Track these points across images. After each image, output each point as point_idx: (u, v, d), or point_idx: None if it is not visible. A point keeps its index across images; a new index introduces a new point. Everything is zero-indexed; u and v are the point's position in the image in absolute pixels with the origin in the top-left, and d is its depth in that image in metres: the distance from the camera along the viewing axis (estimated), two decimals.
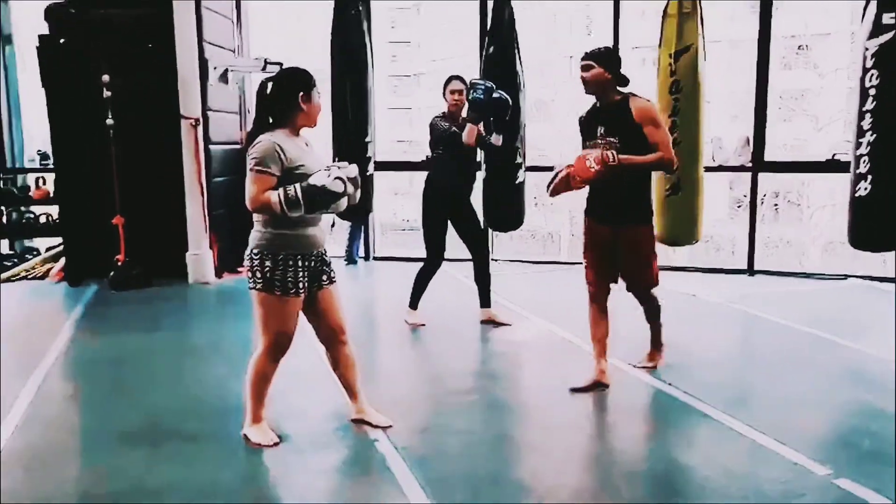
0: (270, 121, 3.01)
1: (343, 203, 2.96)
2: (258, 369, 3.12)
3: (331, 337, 3.24)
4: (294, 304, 3.04)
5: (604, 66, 3.63)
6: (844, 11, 17.50)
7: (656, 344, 4.10)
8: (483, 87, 4.53)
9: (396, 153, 17.02)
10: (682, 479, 2.95)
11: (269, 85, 3.03)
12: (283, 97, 2.99)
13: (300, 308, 3.08)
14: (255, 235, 3.02)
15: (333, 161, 3.04)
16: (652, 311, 4.00)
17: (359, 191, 3.01)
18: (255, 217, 3.01)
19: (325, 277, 3.14)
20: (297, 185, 2.86)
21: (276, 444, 3.14)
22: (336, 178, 2.81)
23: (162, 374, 4.22)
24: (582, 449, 3.12)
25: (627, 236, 3.75)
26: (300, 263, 3.01)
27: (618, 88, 3.68)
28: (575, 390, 3.74)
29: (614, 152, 3.51)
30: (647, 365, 4.07)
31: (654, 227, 3.87)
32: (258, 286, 3.01)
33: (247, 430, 3.20)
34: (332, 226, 7.34)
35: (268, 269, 2.97)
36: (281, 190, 2.87)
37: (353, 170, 2.94)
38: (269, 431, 3.19)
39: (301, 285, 3.03)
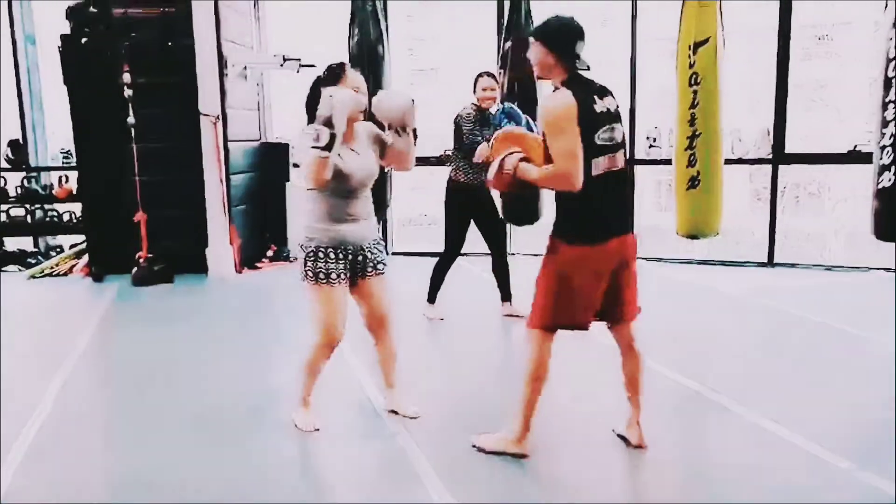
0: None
1: None
2: (308, 356, 3.24)
3: (372, 325, 3.35)
4: (331, 293, 3.11)
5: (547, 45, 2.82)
6: None
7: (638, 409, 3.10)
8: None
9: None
10: (702, 472, 2.95)
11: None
12: (312, 100, 3.06)
13: (341, 298, 3.14)
14: (302, 230, 3.17)
15: None
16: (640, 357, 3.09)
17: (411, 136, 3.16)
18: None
19: (369, 268, 3.21)
20: None
21: (314, 430, 3.26)
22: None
23: (185, 367, 4.28)
24: (605, 444, 3.12)
25: (631, 245, 2.93)
26: (333, 255, 3.10)
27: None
28: None
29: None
30: (637, 442, 3.09)
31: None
32: (302, 276, 3.15)
33: (294, 412, 3.34)
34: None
35: (307, 260, 3.12)
36: None
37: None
38: (311, 418, 3.31)
39: (339, 275, 3.11)
